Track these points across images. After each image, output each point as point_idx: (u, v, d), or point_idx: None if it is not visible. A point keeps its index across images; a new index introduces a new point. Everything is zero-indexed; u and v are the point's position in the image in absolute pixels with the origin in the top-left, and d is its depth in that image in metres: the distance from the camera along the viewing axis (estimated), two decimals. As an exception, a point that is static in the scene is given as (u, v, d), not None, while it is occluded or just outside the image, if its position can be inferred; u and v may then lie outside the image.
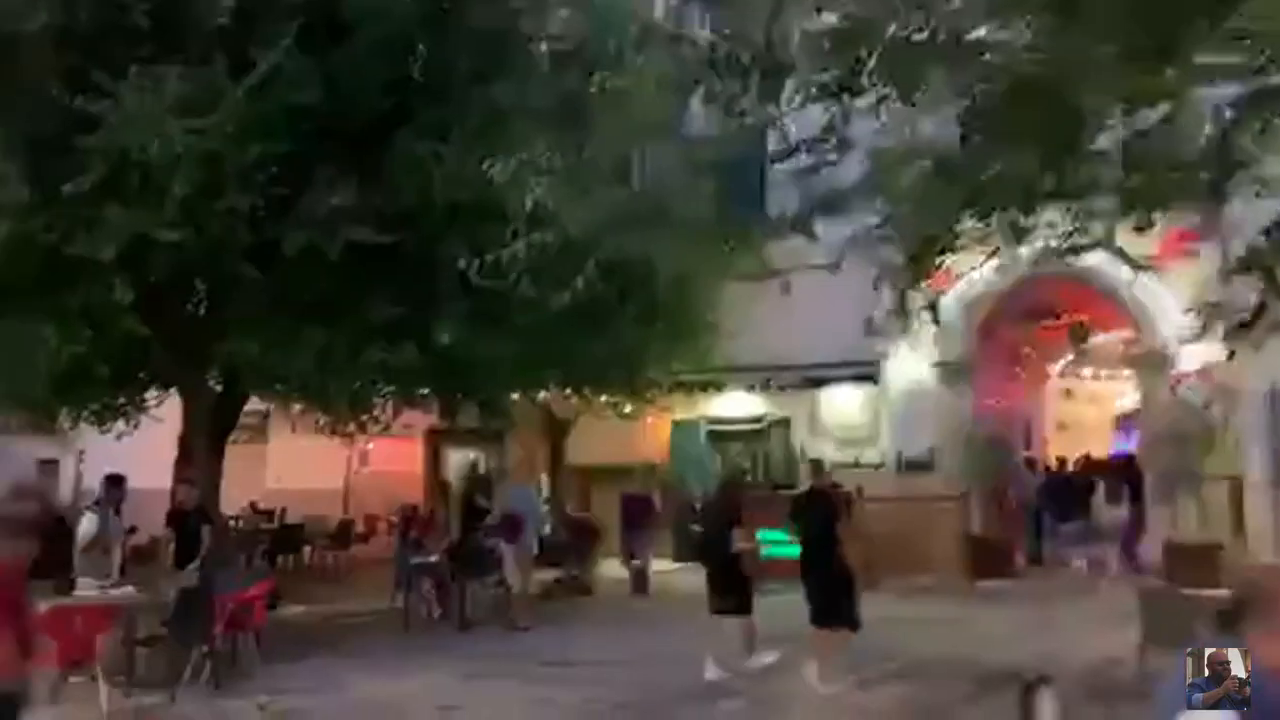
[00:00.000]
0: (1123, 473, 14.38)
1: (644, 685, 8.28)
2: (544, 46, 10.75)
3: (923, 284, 6.05)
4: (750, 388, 16.17)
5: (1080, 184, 4.96)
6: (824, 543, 7.86)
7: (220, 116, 7.88)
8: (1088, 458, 15.82)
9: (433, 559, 11.89)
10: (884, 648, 8.79)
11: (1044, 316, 16.52)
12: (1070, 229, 5.57)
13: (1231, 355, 5.04)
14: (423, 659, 9.42)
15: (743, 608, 8.24)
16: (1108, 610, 11.20)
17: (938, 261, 5.64)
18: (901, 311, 6.34)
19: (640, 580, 13.85)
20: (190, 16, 8.37)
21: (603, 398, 14.05)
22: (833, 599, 7.76)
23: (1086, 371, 22.54)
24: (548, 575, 13.30)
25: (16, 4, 8.03)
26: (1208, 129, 4.86)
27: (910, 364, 15.32)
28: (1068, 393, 21.62)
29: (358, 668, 9.00)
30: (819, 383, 15.69)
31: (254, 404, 12.95)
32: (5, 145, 7.91)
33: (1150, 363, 13.98)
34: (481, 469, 17.46)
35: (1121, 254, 5.52)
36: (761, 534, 14.00)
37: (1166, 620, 7.24)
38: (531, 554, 12.51)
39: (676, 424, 16.82)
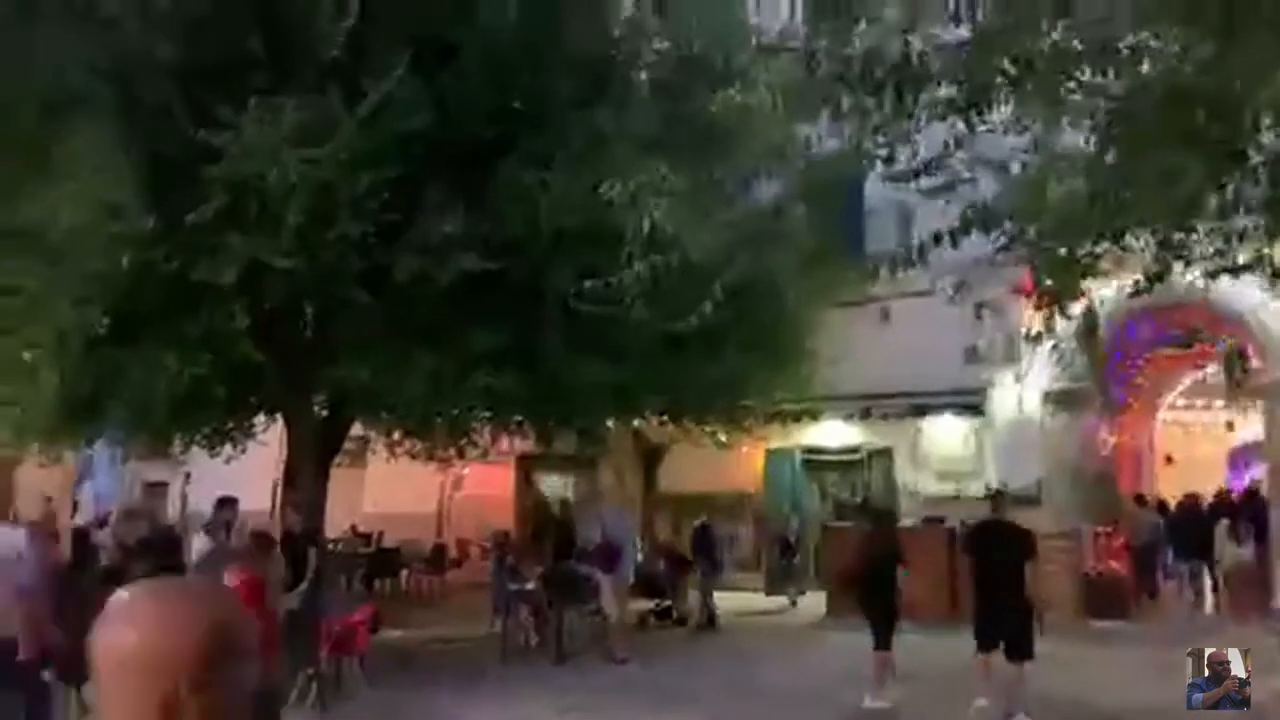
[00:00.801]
0: (1247, 509, 13.61)
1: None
2: (644, 74, 10.80)
3: (1057, 308, 5.68)
4: (848, 416, 15.80)
5: (1234, 199, 4.66)
6: (1014, 575, 7.83)
7: (334, 146, 8.03)
8: (1219, 493, 15.00)
9: (529, 586, 11.85)
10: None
11: (1163, 344, 15.84)
12: (1217, 249, 5.22)
13: None
14: (522, 689, 9.35)
15: (890, 643, 8.68)
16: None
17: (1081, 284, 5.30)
18: (1039, 334, 5.95)
19: (705, 615, 13.43)
20: (305, 46, 8.59)
21: (700, 426, 13.88)
22: (1023, 631, 7.84)
23: (1200, 402, 21.59)
24: (641, 605, 13.15)
25: (143, 37, 8.35)
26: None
27: (1016, 393, 14.79)
28: (1179, 425, 20.66)
29: (458, 695, 8.97)
30: (920, 412, 15.25)
31: (354, 429, 13.16)
32: (131, 175, 8.19)
33: (1277, 393, 13.23)
34: (574, 496, 17.46)
35: (1276, 275, 5.13)
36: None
37: None
38: (628, 583, 12.40)
39: (771, 453, 16.54)
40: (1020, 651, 7.83)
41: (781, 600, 14.79)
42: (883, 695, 8.60)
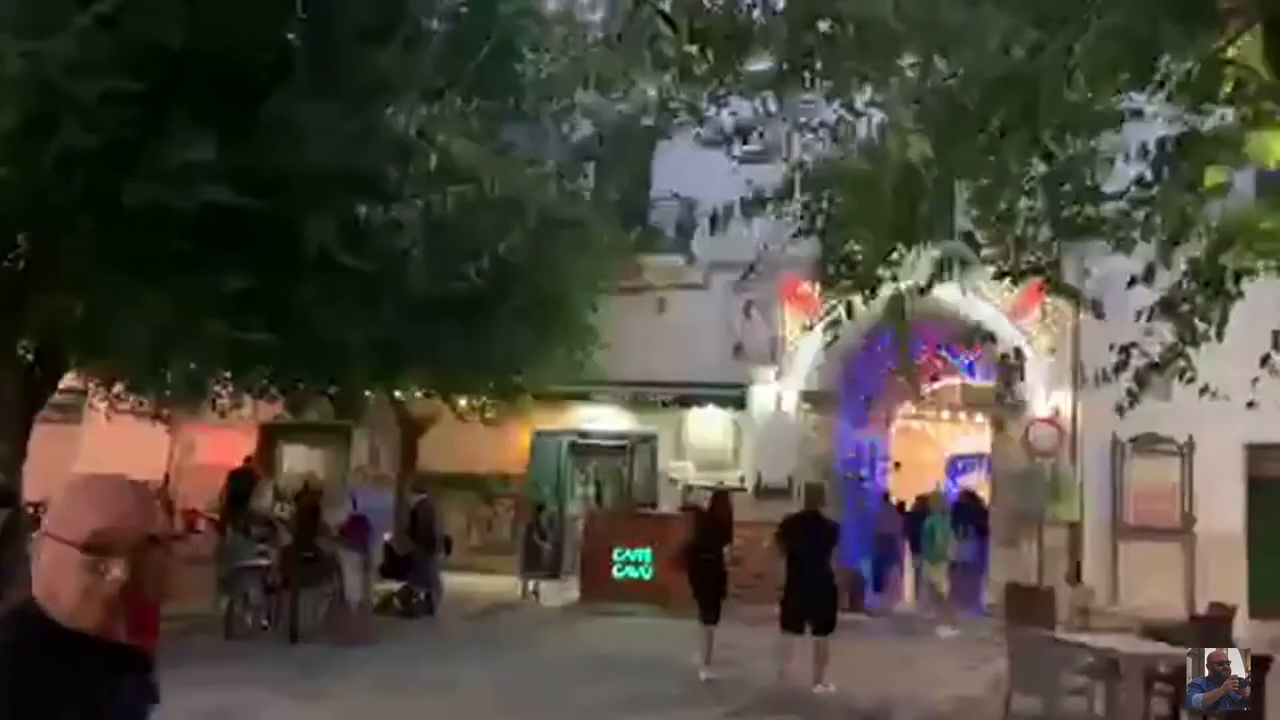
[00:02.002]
0: (968, 509, 14.75)
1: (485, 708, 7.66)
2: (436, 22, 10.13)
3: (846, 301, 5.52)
4: (618, 402, 15.74)
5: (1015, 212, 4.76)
6: (823, 561, 8.69)
7: (62, 42, 6.88)
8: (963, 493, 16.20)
9: (264, 562, 10.84)
10: (744, 680, 8.50)
11: (907, 354, 16.83)
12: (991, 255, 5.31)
13: (1133, 402, 4.82)
14: (244, 671, 8.47)
15: (717, 618, 9.18)
16: (955, 649, 11.35)
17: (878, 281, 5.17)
18: (812, 326, 5.76)
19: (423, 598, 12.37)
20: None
21: (466, 401, 13.31)
22: (831, 611, 8.67)
23: (930, 413, 23.40)
24: (389, 587, 12.40)
25: None
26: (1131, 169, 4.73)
27: (775, 391, 15.27)
28: (908, 432, 22.23)
29: (171, 676, 7.94)
30: (686, 402, 15.42)
31: (69, 378, 11.54)
32: None
33: (1006, 407, 14.36)
34: (322, 469, 16.33)
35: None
36: (621, 554, 13.67)
37: (1034, 665, 7.21)
38: (376, 563, 11.65)
39: (538, 435, 16.21)
40: (827, 628, 8.60)
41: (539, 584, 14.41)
42: (711, 668, 9.06)
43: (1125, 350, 5.11)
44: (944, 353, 15.98)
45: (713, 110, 4.41)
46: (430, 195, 4.24)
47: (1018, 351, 5.02)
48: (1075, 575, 13.29)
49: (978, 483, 23.56)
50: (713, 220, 4.75)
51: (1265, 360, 4.94)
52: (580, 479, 16.47)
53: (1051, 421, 13.82)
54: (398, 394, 13.57)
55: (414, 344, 9.60)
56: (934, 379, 18.86)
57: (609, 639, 11.20)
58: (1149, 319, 4.99)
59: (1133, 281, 4.95)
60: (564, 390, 14.84)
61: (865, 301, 5.24)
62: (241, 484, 14.05)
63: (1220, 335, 4.86)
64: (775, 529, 9.14)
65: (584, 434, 16.24)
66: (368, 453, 16.24)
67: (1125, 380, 5.12)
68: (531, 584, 13.64)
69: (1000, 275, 5.00)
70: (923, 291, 5.26)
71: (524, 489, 15.71)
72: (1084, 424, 13.66)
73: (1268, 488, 12.80)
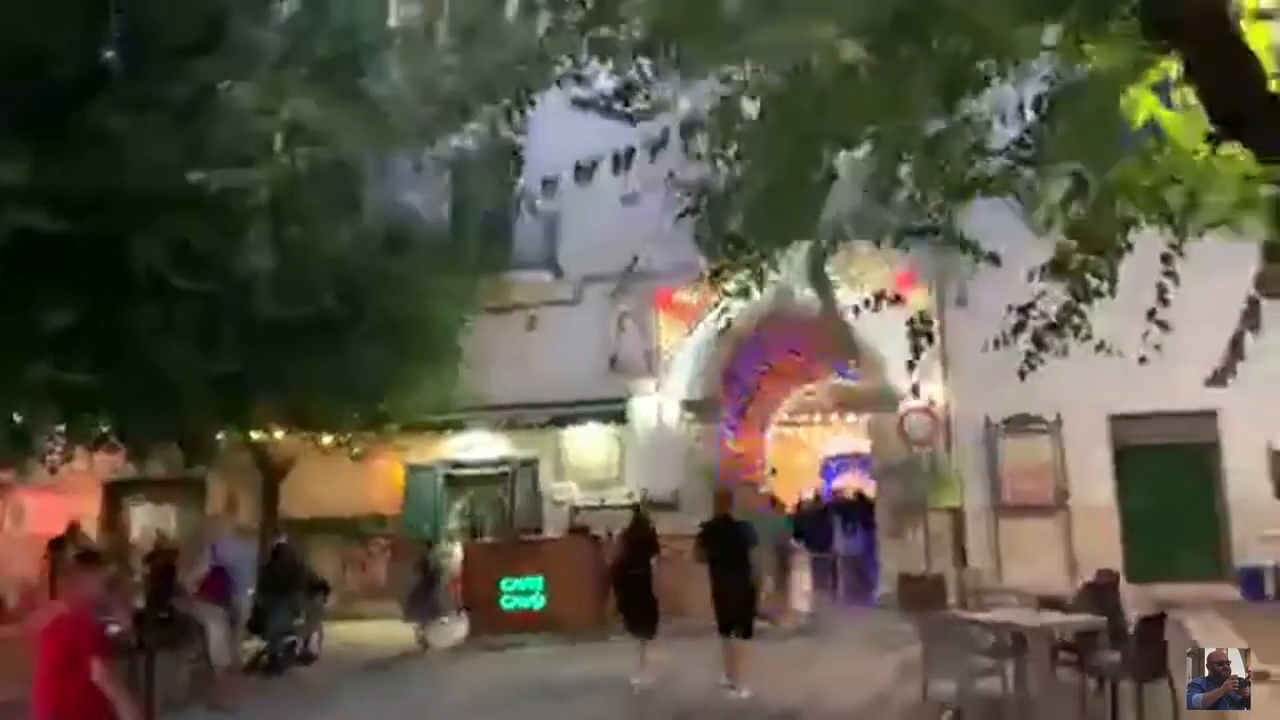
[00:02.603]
0: (857, 507, 14.82)
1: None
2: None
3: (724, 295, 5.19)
4: (494, 427, 15.16)
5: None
6: (740, 565, 8.78)
7: None
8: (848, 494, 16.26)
9: (114, 629, 9.75)
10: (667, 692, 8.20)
11: (781, 358, 16.90)
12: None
13: (1033, 365, 4.69)
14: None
15: (654, 631, 9.34)
16: (861, 642, 11.22)
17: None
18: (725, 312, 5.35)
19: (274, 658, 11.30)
20: None
21: (328, 437, 12.47)
22: (749, 614, 8.82)
23: (802, 418, 23.71)
24: (257, 644, 11.41)
25: None
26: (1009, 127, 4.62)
27: (656, 402, 15.01)
28: (781, 438, 22.43)
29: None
30: (564, 422, 14.97)
31: None
32: None
33: (881, 400, 14.50)
34: (176, 527, 15.10)
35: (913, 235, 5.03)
36: (509, 584, 13.06)
37: (946, 650, 7.07)
38: (242, 619, 10.71)
39: (411, 469, 15.44)
40: (746, 631, 8.76)
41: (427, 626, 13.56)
42: (647, 676, 9.14)
43: (1024, 310, 5.02)
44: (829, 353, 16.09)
45: (592, 66, 4.00)
46: (279, 163, 3.68)
47: (923, 315, 4.80)
48: (961, 559, 13.52)
49: (857, 482, 24.11)
50: (578, 170, 4.36)
51: (1152, 314, 4.90)
52: (459, 511, 15.76)
53: (926, 410, 14.01)
54: (254, 435, 12.61)
55: (261, 373, 8.83)
56: (811, 380, 19.05)
57: (501, 673, 10.60)
58: (1040, 279, 4.91)
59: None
60: (435, 419, 14.19)
61: (759, 284, 4.99)
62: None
63: (1113, 291, 4.81)
64: (696, 537, 9.29)
65: (459, 464, 15.55)
66: (225, 501, 15.09)
67: (1024, 343, 5.02)
68: (420, 627, 12.87)
69: (901, 237, 4.79)
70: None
71: (399, 528, 14.88)
72: (957, 410, 13.91)
73: (1131, 456, 13.28)
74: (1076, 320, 4.98)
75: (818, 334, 15.22)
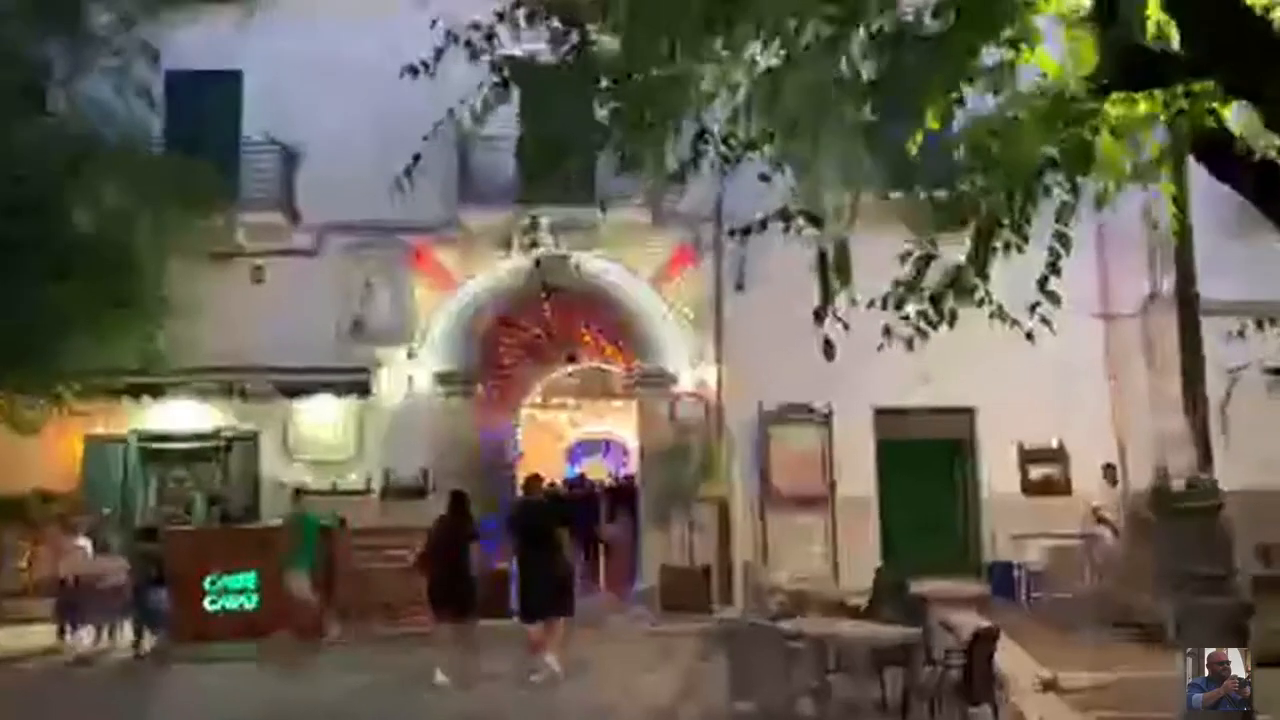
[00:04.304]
0: (623, 493, 13.94)
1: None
2: None
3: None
4: (204, 394, 12.78)
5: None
6: (552, 546, 8.57)
7: None
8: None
9: None
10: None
11: (540, 332, 15.66)
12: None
13: (926, 329, 3.89)
14: None
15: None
16: (629, 649, 10.20)
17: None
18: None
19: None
20: None
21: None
22: (563, 593, 8.65)
23: (555, 400, 22.69)
24: None
25: None
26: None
27: (407, 374, 13.26)
28: (531, 420, 21.34)
29: None
30: (294, 391, 12.87)
31: None
32: None
33: (653, 383, 13.59)
34: None
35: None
36: (213, 582, 10.93)
37: (759, 671, 6.08)
38: None
39: (93, 440, 12.75)
40: (566, 610, 8.71)
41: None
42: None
43: (923, 260, 4.14)
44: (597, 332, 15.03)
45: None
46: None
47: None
48: (763, 557, 12.82)
49: (602, 469, 23.46)
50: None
51: (1044, 283, 4.20)
52: (155, 492, 13.23)
53: (697, 395, 13.28)
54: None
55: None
56: (598, 356, 17.80)
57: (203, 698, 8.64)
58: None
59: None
60: (130, 382, 11.72)
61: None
62: None
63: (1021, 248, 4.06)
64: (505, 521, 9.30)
65: (160, 436, 13.03)
66: None
67: (914, 305, 4.15)
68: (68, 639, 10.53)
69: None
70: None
71: (74, 510, 12.12)
72: (729, 396, 13.24)
73: (892, 450, 13.20)
74: (971, 283, 4.21)
75: (593, 310, 14.12)
